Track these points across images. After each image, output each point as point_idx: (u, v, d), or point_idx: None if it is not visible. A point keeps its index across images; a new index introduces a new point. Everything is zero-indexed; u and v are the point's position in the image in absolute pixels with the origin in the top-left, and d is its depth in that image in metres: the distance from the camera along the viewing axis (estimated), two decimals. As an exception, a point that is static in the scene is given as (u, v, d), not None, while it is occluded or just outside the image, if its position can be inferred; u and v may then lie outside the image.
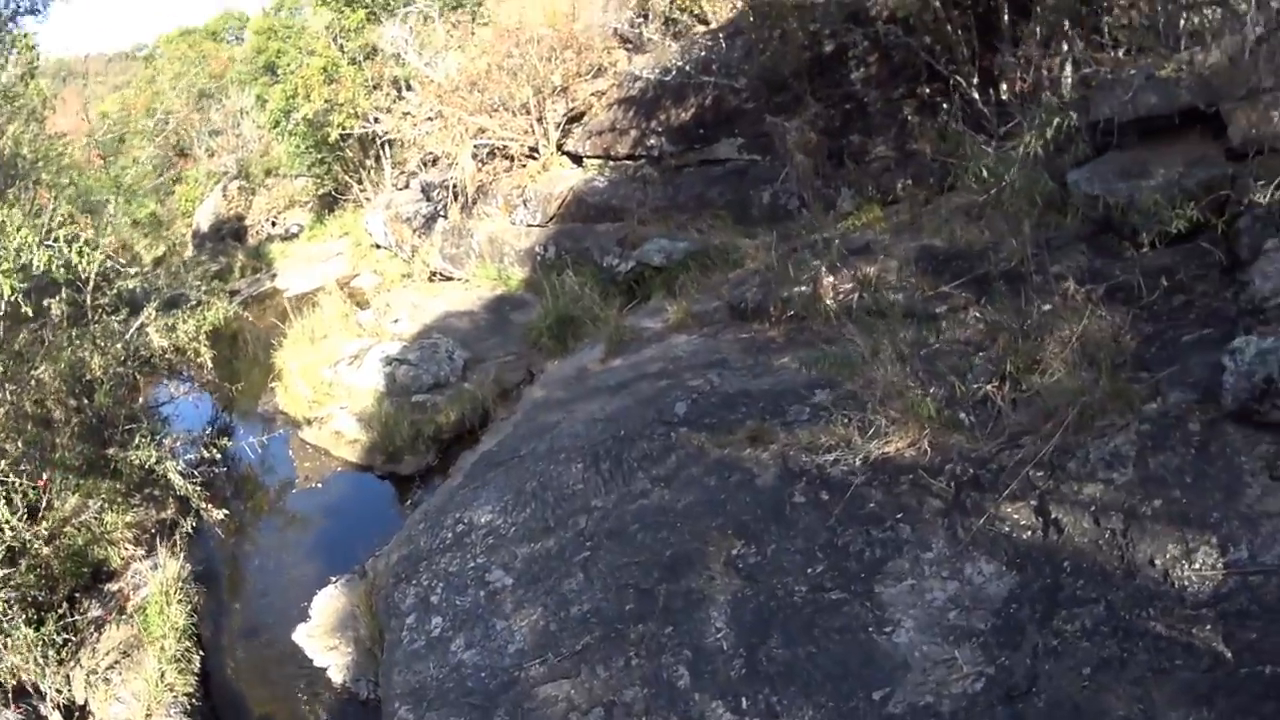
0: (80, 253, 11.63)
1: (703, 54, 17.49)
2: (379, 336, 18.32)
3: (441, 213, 21.65)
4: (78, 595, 11.36)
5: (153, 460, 12.38)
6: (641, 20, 20.21)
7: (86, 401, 13.13)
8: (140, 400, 15.50)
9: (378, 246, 26.21)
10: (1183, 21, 11.09)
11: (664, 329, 13.39)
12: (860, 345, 9.43)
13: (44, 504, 11.46)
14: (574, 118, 20.17)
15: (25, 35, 16.35)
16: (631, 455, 9.67)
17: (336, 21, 29.20)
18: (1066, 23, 12.97)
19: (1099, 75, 11.17)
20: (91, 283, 12.91)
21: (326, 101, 27.65)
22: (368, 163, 29.36)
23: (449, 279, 21.20)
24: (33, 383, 12.40)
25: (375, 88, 26.23)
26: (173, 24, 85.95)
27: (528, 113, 20.10)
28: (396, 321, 18.90)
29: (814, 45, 15.71)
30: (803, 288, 11.76)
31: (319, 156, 31.23)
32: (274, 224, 37.42)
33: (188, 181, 41.74)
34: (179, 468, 12.59)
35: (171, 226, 41.66)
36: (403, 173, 26.07)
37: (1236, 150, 8.76)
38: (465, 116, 20.51)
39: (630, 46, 20.36)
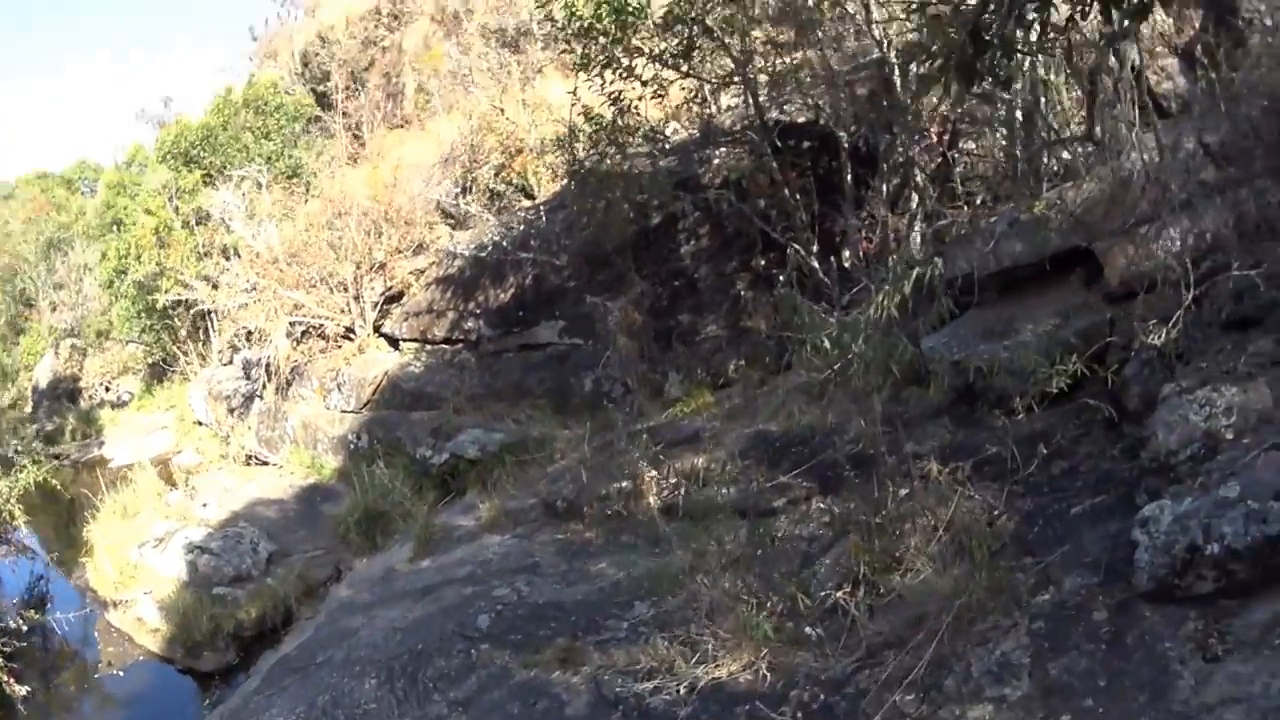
0: None
1: (522, 228, 16.52)
2: (186, 520, 16.88)
3: (259, 393, 20.27)
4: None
5: (-48, 624, 11.46)
6: (464, 193, 19.13)
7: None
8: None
9: (200, 423, 24.70)
10: (1045, 162, 10.59)
11: (476, 527, 12.31)
12: (681, 554, 8.41)
13: None
14: (393, 297, 19.17)
15: None
16: (428, 674, 8.53)
17: (174, 181, 28.08)
18: (918, 176, 12.26)
19: (953, 228, 10.44)
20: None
21: (158, 265, 26.39)
22: (198, 334, 28.07)
23: (265, 463, 19.80)
24: None
25: (206, 254, 25.01)
26: (34, 165, 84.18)
27: (345, 290, 19.06)
28: (205, 506, 17.53)
29: (640, 217, 14.79)
30: (623, 484, 10.72)
31: (149, 323, 29.67)
32: (107, 389, 35.94)
33: (31, 334, 40.39)
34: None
35: (16, 378, 40.38)
36: (230, 347, 24.70)
37: (1115, 293, 7.93)
38: (280, 290, 19.30)
39: (452, 221, 19.31)
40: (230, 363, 24.11)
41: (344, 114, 28.59)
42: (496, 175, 18.86)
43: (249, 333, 21.23)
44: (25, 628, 12.65)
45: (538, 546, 10.88)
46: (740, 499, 9.50)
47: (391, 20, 32.11)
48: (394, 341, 18.45)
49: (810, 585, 7.29)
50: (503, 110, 19.88)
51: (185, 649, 13.47)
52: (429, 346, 17.56)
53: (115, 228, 31.67)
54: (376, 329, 18.83)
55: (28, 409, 38.33)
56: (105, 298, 34.10)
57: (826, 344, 8.33)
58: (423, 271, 18.60)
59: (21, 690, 11.71)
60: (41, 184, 51.51)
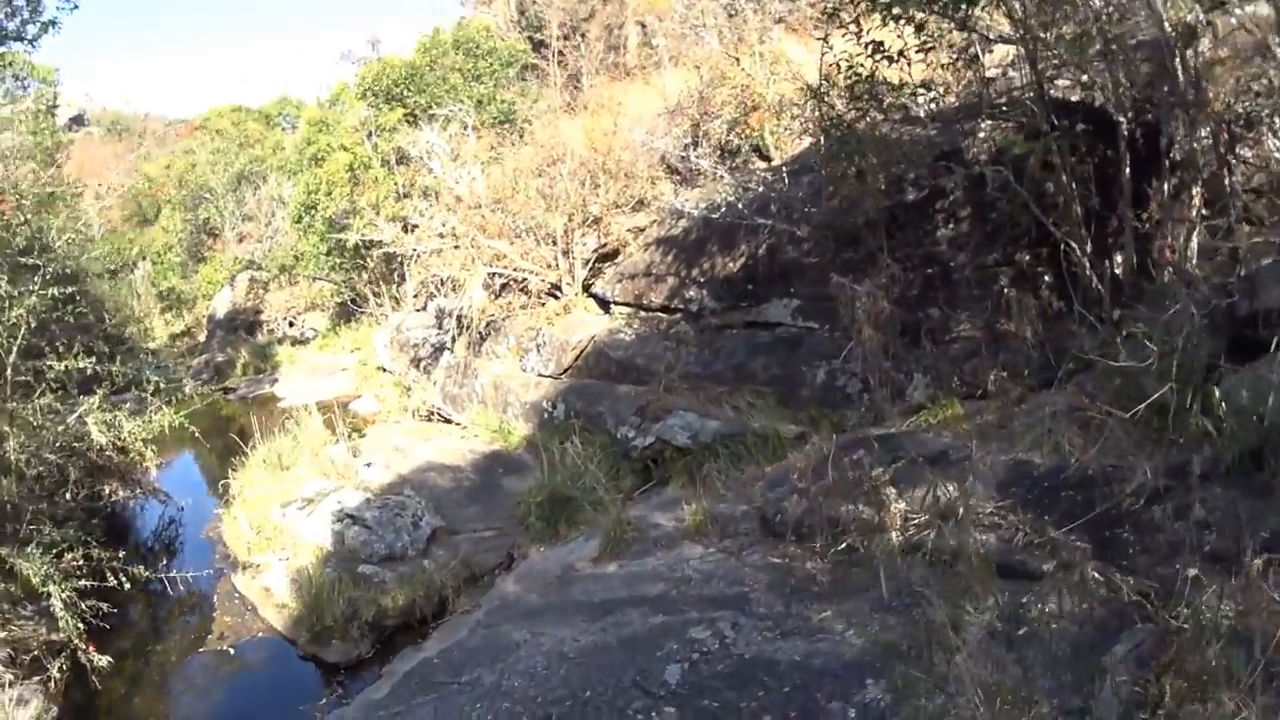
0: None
1: (760, 190, 14.39)
2: (344, 480, 15.42)
3: (450, 345, 18.88)
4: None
5: (39, 576, 10.48)
6: (693, 146, 17.17)
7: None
8: (72, 496, 13.04)
9: (383, 370, 23.49)
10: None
11: (676, 531, 10.55)
12: (932, 620, 6.55)
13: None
14: (606, 255, 17.33)
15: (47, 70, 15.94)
16: (592, 736, 6.80)
17: (373, 118, 27.04)
18: (1226, 178, 10.42)
19: (1257, 249, 8.70)
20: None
21: (350, 202, 25.39)
22: (391, 276, 27.04)
23: (447, 421, 18.34)
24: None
25: (405, 196, 23.84)
26: (232, 99, 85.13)
27: (554, 243, 17.34)
28: (369, 465, 15.99)
29: (895, 191, 12.76)
30: (860, 508, 8.77)
31: (338, 261, 28.74)
32: (291, 324, 35.61)
33: (212, 263, 40.33)
34: (65, 594, 10.51)
35: (193, 306, 40.35)
36: (423, 293, 23.37)
37: None
38: (480, 239, 17.83)
39: (678, 177, 17.39)
40: (423, 309, 22.80)
41: (560, 63, 27.14)
42: (729, 131, 16.90)
43: (444, 280, 19.80)
44: (125, 584, 11.36)
45: (748, 571, 9.01)
46: (1001, 552, 7.54)
47: (614, -29, 30.69)
48: (604, 304, 16.60)
49: (1097, 701, 5.52)
50: (738, 60, 17.88)
51: (312, 633, 11.66)
52: (643, 313, 15.65)
53: (312, 164, 30.94)
54: (585, 288, 17.05)
55: (201, 337, 38.22)
56: (295, 233, 33.48)
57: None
58: (642, 230, 16.75)
59: (101, 660, 10.61)
60: (234, 117, 51.43)
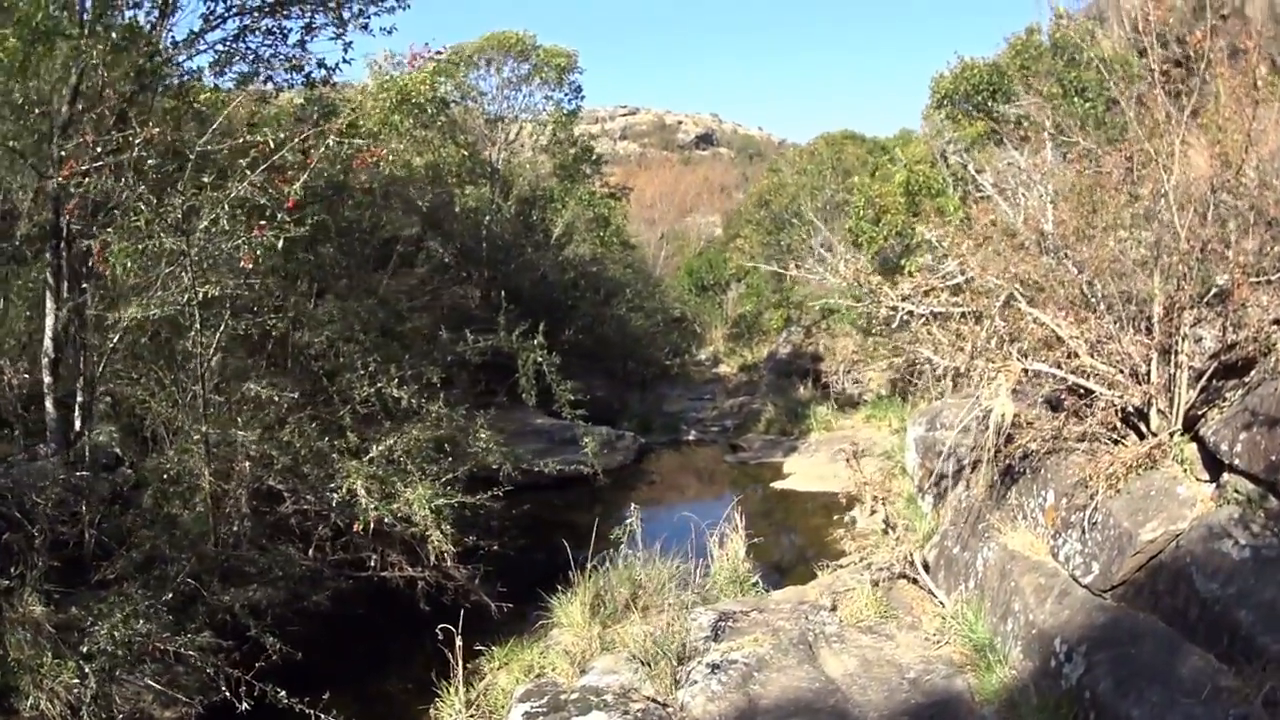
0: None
1: None
2: (653, 679, 9.20)
3: (967, 473, 11.75)
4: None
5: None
6: None
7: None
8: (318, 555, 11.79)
9: (905, 473, 16.56)
10: None
11: None
12: None
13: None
14: (1231, 366, 8.93)
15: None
16: None
17: (946, 129, 20.73)
18: None
19: None
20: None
21: (899, 235, 19.37)
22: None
23: (931, 594, 11.18)
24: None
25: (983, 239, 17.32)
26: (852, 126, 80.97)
27: (1147, 331, 9.40)
28: (714, 668, 9.28)
29: None
30: None
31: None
32: (857, 380, 29.65)
33: (788, 293, 37.80)
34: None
35: (766, 336, 39.95)
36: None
37: None
38: (1020, 299, 10.53)
39: None
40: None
41: (1169, 88, 19.50)
42: None
43: (957, 372, 12.57)
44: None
45: None
46: None
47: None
48: (1215, 463, 8.29)
49: None
50: None
51: None
52: (1277, 499, 7.28)
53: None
54: (1188, 425, 8.86)
55: (760, 376, 36.58)
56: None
57: None
58: (1296, 328, 8.55)
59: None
60: (840, 143, 46.95)
